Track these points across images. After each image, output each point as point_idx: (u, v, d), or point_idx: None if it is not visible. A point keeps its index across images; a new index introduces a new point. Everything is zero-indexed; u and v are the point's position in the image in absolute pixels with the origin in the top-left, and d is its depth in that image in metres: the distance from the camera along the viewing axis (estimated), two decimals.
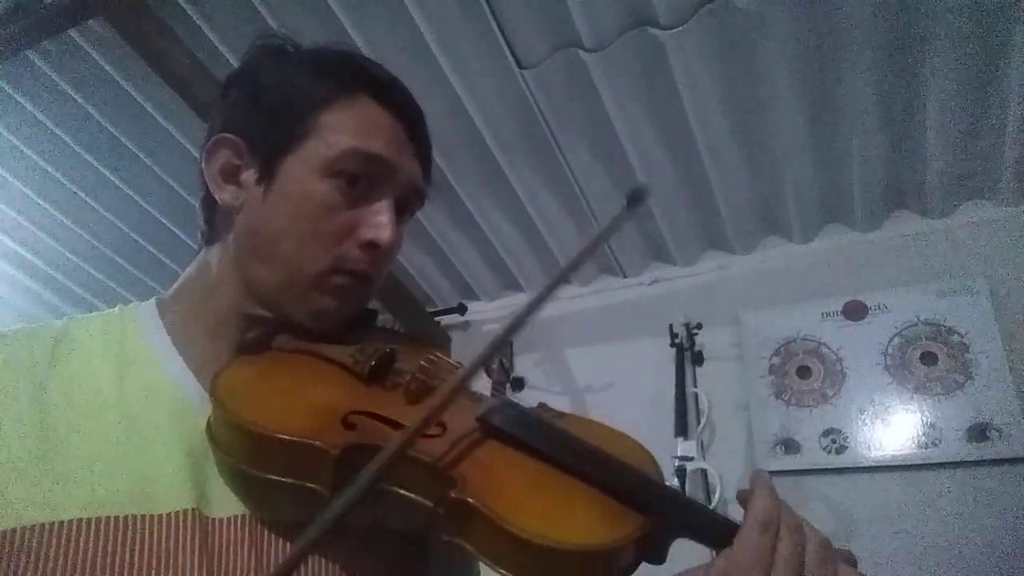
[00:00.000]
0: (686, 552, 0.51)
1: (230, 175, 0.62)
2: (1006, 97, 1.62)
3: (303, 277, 0.59)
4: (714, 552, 0.47)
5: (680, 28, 1.53)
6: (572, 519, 0.48)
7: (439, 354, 0.64)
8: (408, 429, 0.48)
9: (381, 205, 0.61)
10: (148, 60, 1.61)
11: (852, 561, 0.49)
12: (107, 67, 1.85)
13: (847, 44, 1.54)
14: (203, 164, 0.63)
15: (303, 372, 0.59)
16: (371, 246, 0.60)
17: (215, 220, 0.64)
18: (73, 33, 1.75)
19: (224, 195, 0.61)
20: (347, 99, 0.61)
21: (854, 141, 1.78)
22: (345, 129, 0.59)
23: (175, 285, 0.66)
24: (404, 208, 0.65)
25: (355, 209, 0.60)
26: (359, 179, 0.60)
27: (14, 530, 0.47)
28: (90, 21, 1.67)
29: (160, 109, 1.97)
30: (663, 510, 0.49)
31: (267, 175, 0.60)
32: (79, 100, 1.96)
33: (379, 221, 0.60)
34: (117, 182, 2.24)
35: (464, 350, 2.57)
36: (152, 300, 0.65)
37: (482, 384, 2.17)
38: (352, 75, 0.62)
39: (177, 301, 0.64)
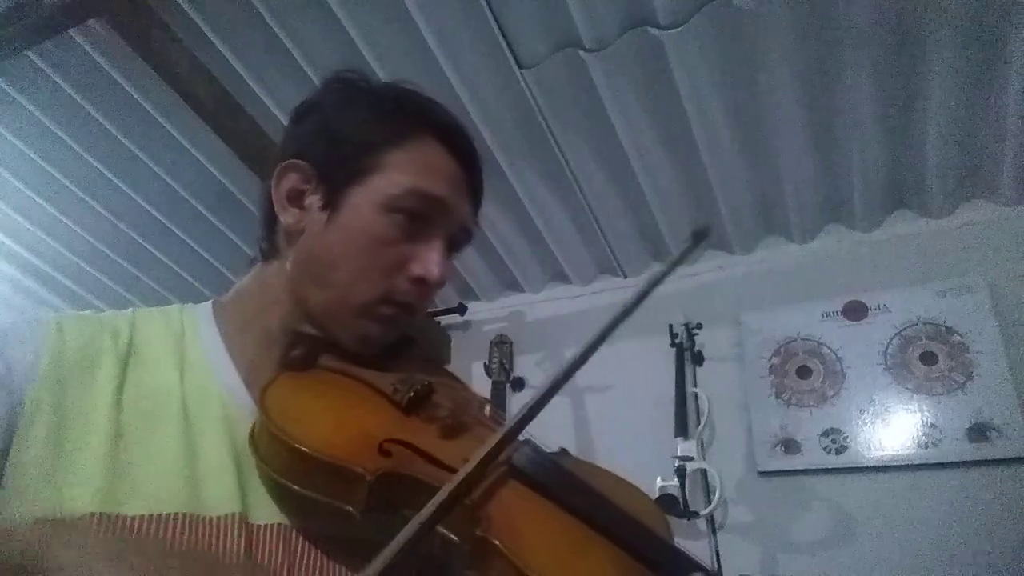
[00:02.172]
0: None
1: (295, 198, 0.66)
2: (1006, 97, 1.62)
3: (353, 304, 0.63)
4: None
5: (680, 28, 1.53)
6: (589, 572, 0.49)
7: (466, 390, 0.68)
8: (461, 473, 0.49)
9: (434, 243, 0.64)
10: (148, 60, 1.62)
11: None
12: (107, 67, 1.85)
13: (847, 44, 1.54)
14: (272, 185, 0.66)
15: (346, 395, 0.62)
16: (420, 281, 0.64)
17: (275, 238, 0.68)
18: (73, 33, 1.75)
19: (288, 217, 0.65)
20: (414, 140, 0.65)
21: (854, 141, 1.78)
22: (410, 169, 0.63)
23: (230, 293, 0.70)
24: (453, 246, 0.69)
25: (409, 244, 0.64)
26: (417, 217, 0.63)
27: (84, 516, 0.49)
28: (90, 21, 1.67)
29: (160, 109, 1.97)
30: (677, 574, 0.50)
31: (331, 203, 0.64)
32: (79, 100, 1.96)
33: (431, 258, 0.64)
34: (117, 182, 2.24)
35: (464, 350, 2.57)
36: (209, 303, 0.69)
37: (482, 384, 2.17)
38: (421, 117, 0.66)
39: (232, 309, 0.68)
